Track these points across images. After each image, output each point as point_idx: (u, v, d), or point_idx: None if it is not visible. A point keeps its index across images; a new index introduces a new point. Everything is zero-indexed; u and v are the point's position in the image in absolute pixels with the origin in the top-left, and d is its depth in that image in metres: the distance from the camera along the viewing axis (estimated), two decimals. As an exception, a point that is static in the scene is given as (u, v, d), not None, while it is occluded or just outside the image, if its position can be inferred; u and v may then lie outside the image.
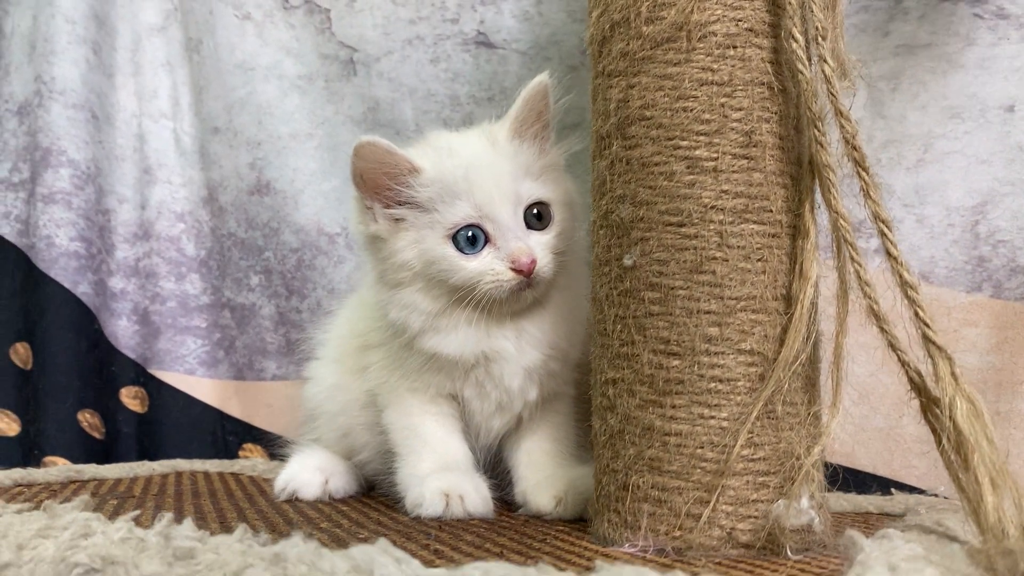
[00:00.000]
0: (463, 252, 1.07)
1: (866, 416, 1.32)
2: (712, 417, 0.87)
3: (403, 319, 1.11)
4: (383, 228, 1.11)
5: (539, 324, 1.12)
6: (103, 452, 1.65)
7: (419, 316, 1.10)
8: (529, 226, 1.10)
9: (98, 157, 1.70)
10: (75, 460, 1.59)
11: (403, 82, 1.64)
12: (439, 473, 1.10)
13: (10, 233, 1.68)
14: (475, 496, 1.06)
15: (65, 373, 1.60)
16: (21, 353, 1.64)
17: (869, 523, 1.08)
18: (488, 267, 1.07)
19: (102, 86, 1.73)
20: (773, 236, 0.90)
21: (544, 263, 1.08)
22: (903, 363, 0.83)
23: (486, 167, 1.08)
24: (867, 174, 0.85)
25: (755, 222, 0.89)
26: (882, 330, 0.82)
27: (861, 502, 1.21)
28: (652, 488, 0.89)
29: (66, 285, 1.64)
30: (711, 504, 0.85)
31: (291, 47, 1.68)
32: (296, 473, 1.27)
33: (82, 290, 1.66)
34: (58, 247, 1.65)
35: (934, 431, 0.83)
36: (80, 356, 1.63)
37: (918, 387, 0.83)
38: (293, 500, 1.25)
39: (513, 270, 1.06)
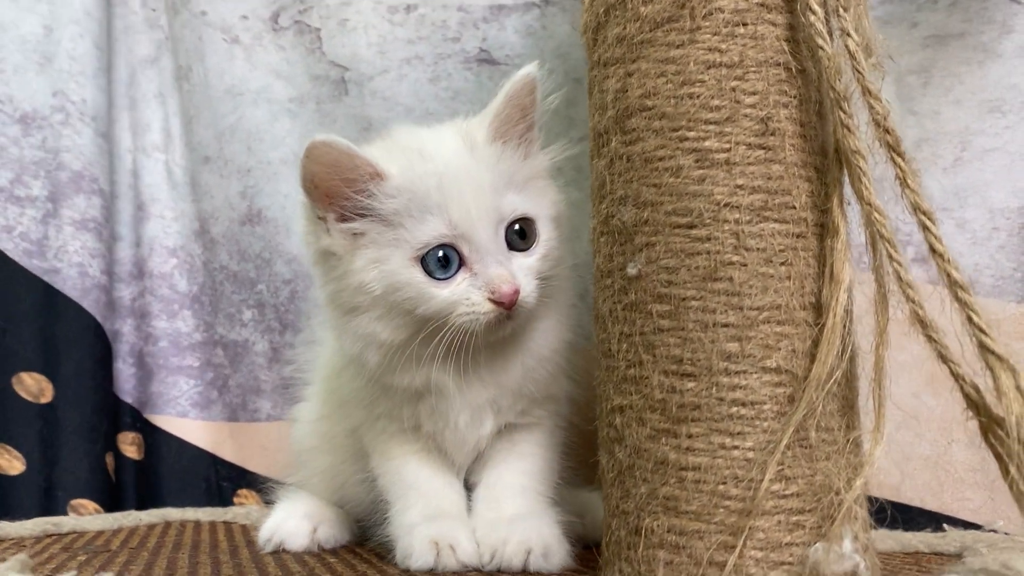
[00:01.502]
0: (433, 277, 0.92)
1: (911, 443, 1.18)
2: (735, 447, 0.75)
3: (358, 352, 0.97)
4: (338, 243, 0.95)
5: (493, 358, 0.98)
6: (119, 498, 1.60)
7: (376, 350, 0.95)
8: (511, 246, 0.95)
9: (98, 205, 1.65)
10: (105, 504, 1.52)
11: (399, 101, 1.55)
12: (428, 521, 0.97)
13: (13, 251, 1.58)
14: (467, 544, 0.94)
15: (96, 410, 1.53)
16: (28, 384, 1.53)
17: (921, 564, 0.95)
18: (463, 296, 0.91)
19: (101, 123, 1.67)
20: (798, 236, 0.78)
21: (528, 291, 0.93)
22: (957, 377, 0.70)
23: (464, 176, 0.93)
24: (903, 160, 0.73)
25: (776, 220, 0.78)
26: (930, 339, 0.70)
27: (910, 540, 1.08)
28: (668, 532, 0.77)
29: (98, 319, 1.57)
30: (737, 550, 0.73)
31: (281, 69, 1.60)
32: (282, 522, 1.15)
33: (108, 327, 1.60)
34: (91, 277, 1.59)
35: (998, 456, 0.70)
36: (108, 393, 1.58)
37: (976, 405, 0.70)
38: (280, 551, 1.13)
39: (492, 301, 0.91)
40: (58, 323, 1.55)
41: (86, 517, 1.43)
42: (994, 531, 1.10)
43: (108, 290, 1.60)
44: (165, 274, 1.68)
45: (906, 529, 1.12)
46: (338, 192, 0.93)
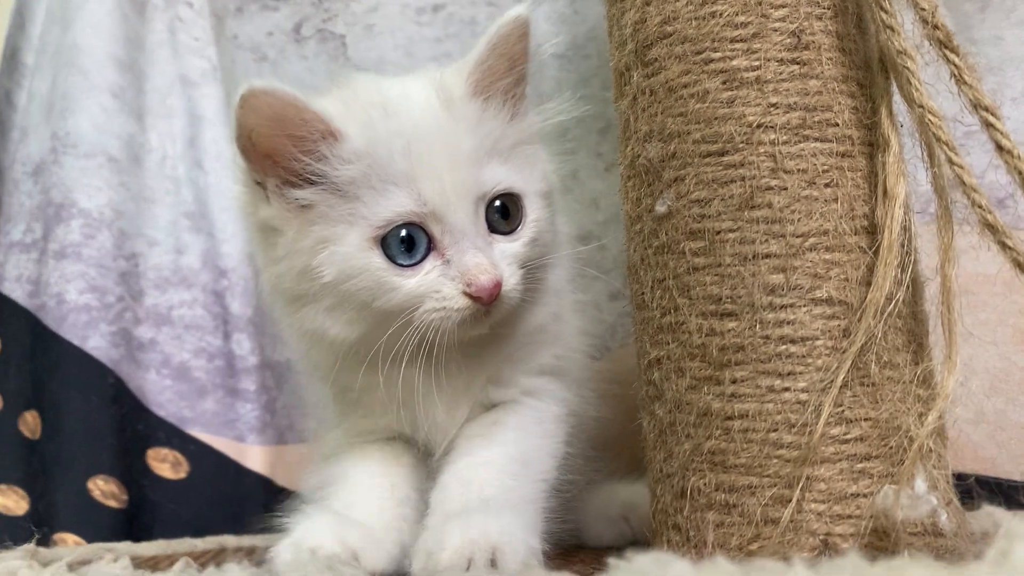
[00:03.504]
0: (396, 263, 0.75)
1: (1004, 411, 1.06)
2: (785, 389, 0.67)
3: (305, 350, 0.83)
4: (279, 216, 0.77)
5: (467, 350, 0.81)
6: (124, 523, 1.48)
7: (327, 349, 0.80)
8: (492, 228, 0.78)
9: (116, 201, 1.60)
10: (87, 534, 1.39)
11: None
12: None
13: (21, 296, 1.57)
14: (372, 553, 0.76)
15: (72, 438, 1.43)
16: (30, 422, 1.49)
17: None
18: (431, 287, 0.75)
19: (127, 128, 1.65)
20: (843, 155, 0.70)
21: (511, 284, 0.77)
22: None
23: (437, 139, 0.76)
24: (956, 55, 0.65)
25: (817, 139, 0.70)
26: (1003, 246, 0.61)
27: (1012, 520, 0.96)
28: (716, 490, 0.68)
29: (75, 342, 1.50)
30: (792, 502, 0.64)
31: (304, 79, 1.58)
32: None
33: (93, 344, 1.52)
34: (68, 303, 1.52)
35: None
36: (89, 417, 1.46)
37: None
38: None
39: (468, 295, 0.74)
40: (43, 357, 1.48)
41: (141, 544, 1.38)
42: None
43: (91, 308, 1.51)
44: (218, 292, 1.66)
45: (1008, 507, 1.00)
46: (281, 152, 0.76)
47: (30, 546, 0.72)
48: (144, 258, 1.61)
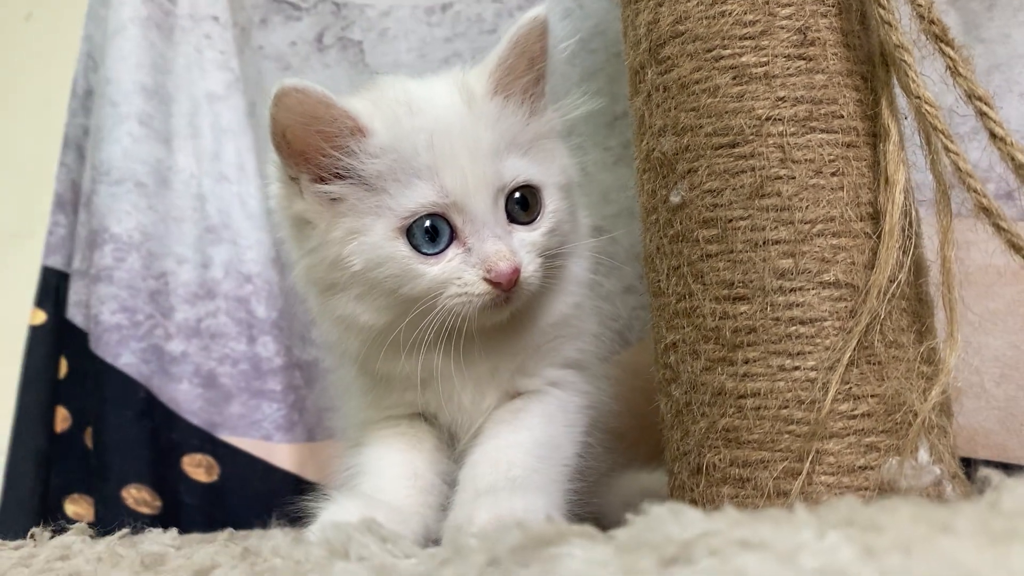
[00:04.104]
0: (420, 252, 0.79)
1: (1014, 397, 1.08)
2: (795, 368, 0.70)
3: (337, 338, 0.86)
4: (312, 209, 0.82)
5: (489, 336, 0.85)
6: (160, 527, 1.54)
7: (356, 335, 0.84)
8: (512, 218, 0.82)
9: (145, 224, 1.66)
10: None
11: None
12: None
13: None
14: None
15: (107, 450, 1.52)
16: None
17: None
18: (454, 274, 0.78)
19: (155, 153, 1.70)
20: (848, 146, 0.74)
21: (530, 271, 0.80)
22: (1034, 268, 0.64)
23: (459, 135, 0.79)
24: (952, 48, 0.69)
25: (824, 130, 0.73)
26: (998, 228, 0.64)
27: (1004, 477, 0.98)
28: (731, 465, 0.72)
29: (108, 359, 1.57)
30: (802, 474, 0.67)
31: (327, 86, 1.63)
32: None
33: (124, 361, 1.58)
34: (102, 324, 1.60)
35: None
36: (122, 429, 1.54)
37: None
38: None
39: (488, 281, 0.78)
40: (87, 375, 1.56)
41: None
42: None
43: (122, 327, 1.58)
44: (242, 298, 1.70)
45: (1017, 492, 1.02)
46: (314, 149, 0.80)
47: (82, 524, 0.76)
48: (174, 276, 1.67)
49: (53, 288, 1.66)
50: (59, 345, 1.62)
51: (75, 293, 1.65)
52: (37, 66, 1.95)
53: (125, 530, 0.71)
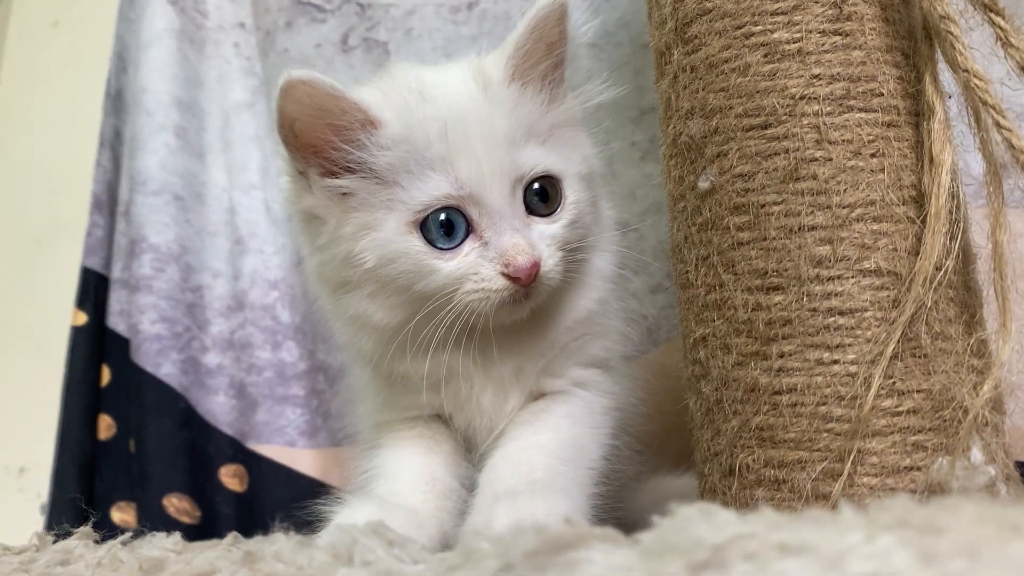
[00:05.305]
0: (435, 246, 0.75)
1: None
2: (834, 362, 0.66)
3: (350, 337, 0.83)
4: (322, 204, 0.78)
5: (508, 334, 0.81)
6: (197, 538, 1.53)
7: (370, 334, 0.80)
8: (530, 210, 0.77)
9: (183, 236, 1.66)
10: None
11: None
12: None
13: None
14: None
15: (149, 459, 1.51)
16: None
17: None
18: (470, 270, 0.75)
19: (190, 167, 1.71)
20: (889, 125, 0.69)
21: (550, 265, 0.76)
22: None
23: (474, 123, 0.75)
24: (1002, 18, 0.64)
25: (862, 109, 0.69)
26: (1056, 208, 0.59)
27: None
28: (765, 466, 0.67)
29: (149, 369, 1.57)
30: (843, 476, 0.63)
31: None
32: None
33: (165, 371, 1.58)
34: (142, 333, 1.60)
35: None
36: (163, 439, 1.54)
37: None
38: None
39: (506, 276, 0.74)
40: (128, 384, 1.57)
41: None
42: None
43: (162, 338, 1.59)
44: (268, 305, 1.69)
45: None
46: (322, 142, 0.76)
47: (86, 528, 0.74)
48: (209, 289, 1.67)
49: (92, 289, 1.66)
50: (100, 351, 1.62)
51: (116, 302, 1.64)
52: (63, 73, 1.95)
53: (127, 534, 0.68)
